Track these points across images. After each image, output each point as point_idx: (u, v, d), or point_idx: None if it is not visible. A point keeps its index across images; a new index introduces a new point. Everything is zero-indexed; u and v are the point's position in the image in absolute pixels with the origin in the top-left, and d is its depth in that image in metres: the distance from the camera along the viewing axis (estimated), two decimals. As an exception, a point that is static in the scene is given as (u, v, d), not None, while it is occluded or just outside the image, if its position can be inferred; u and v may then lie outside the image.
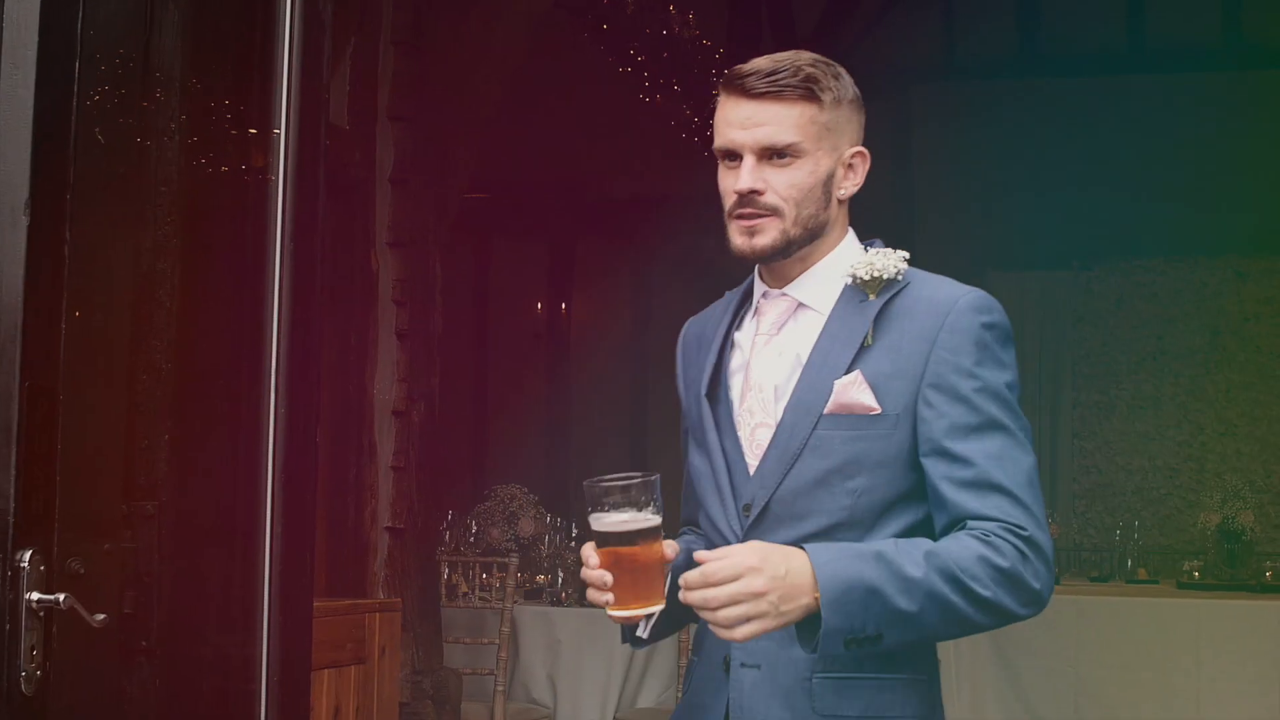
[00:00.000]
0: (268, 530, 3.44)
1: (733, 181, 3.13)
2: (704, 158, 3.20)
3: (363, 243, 7.56)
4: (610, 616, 2.92)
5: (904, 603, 2.85)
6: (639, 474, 2.95)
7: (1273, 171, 11.37)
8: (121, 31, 3.35)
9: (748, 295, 3.31)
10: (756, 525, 3.08)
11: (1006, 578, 2.91)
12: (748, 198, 3.09)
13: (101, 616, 3.00)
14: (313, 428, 3.62)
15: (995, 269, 13.00)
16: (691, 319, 3.46)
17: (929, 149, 13.30)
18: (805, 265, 3.20)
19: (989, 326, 3.11)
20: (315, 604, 3.91)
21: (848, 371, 3.05)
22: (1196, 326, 12.93)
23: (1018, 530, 2.94)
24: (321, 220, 3.66)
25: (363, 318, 7.57)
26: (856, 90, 3.22)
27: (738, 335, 3.27)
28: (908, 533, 3.03)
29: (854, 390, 3.04)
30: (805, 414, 3.06)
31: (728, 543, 3.07)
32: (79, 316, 3.11)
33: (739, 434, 3.16)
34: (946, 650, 8.78)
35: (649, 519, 2.88)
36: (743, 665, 3.07)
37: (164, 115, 3.45)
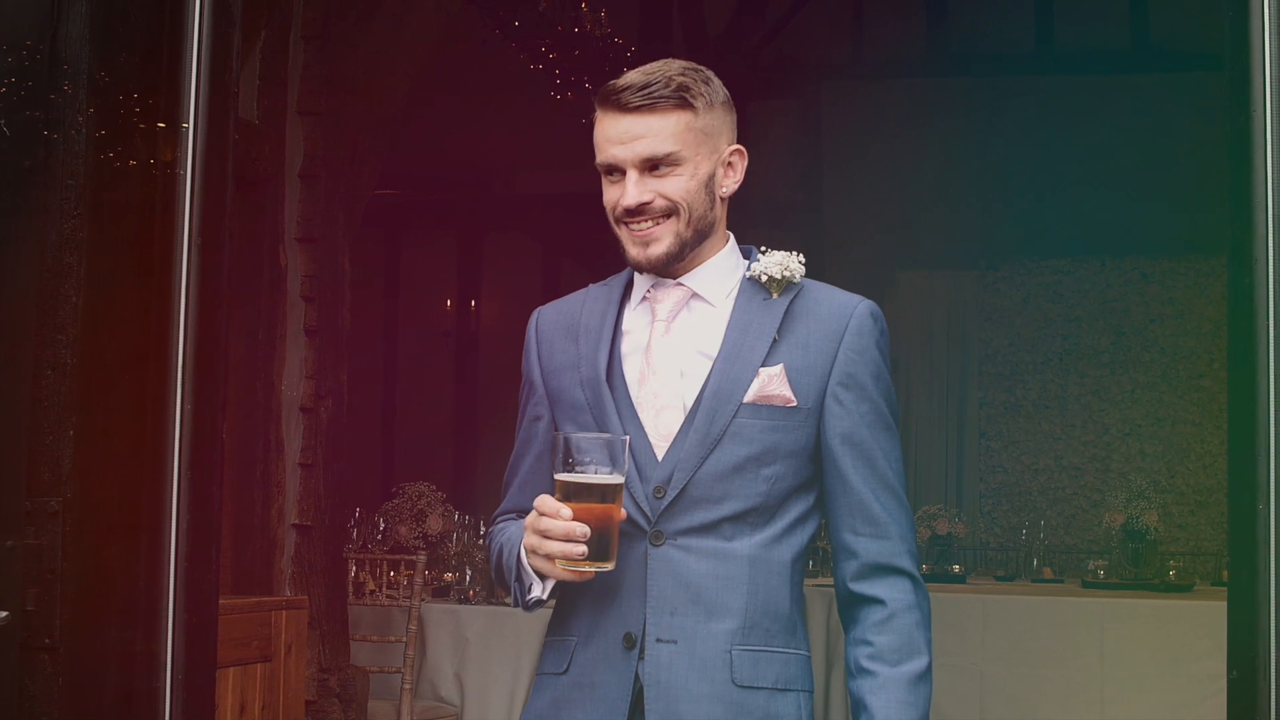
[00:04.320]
0: (173, 527, 3.42)
1: (618, 195, 3.23)
2: (614, 155, 3.18)
3: (271, 238, 7.52)
4: (569, 571, 3.02)
5: None
6: (610, 434, 3.11)
7: (1177, 174, 11.47)
8: (29, 22, 3.32)
9: (628, 286, 3.41)
10: (672, 507, 3.17)
11: (920, 659, 3.37)
12: (637, 210, 3.20)
13: (3, 614, 2.98)
14: (219, 424, 3.60)
15: (902, 268, 13.08)
16: (543, 308, 3.53)
17: (837, 147, 13.35)
18: (695, 264, 3.31)
19: (883, 334, 3.34)
20: (221, 601, 3.88)
21: (764, 364, 3.21)
22: (1101, 327, 13.04)
23: (909, 594, 3.33)
24: (229, 215, 3.64)
25: (271, 313, 7.53)
26: (726, 91, 3.33)
27: (627, 322, 3.35)
28: (800, 519, 3.28)
29: (776, 382, 3.19)
30: (725, 401, 3.18)
31: (636, 526, 3.17)
32: (-17, 310, 3.08)
33: (640, 417, 3.23)
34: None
35: (620, 477, 3.00)
36: (659, 640, 3.15)
37: (71, 108, 3.42)
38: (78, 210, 3.41)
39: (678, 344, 3.27)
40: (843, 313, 3.31)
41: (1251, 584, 2.96)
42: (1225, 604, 3.09)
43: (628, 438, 3.06)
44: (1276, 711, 2.92)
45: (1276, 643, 2.93)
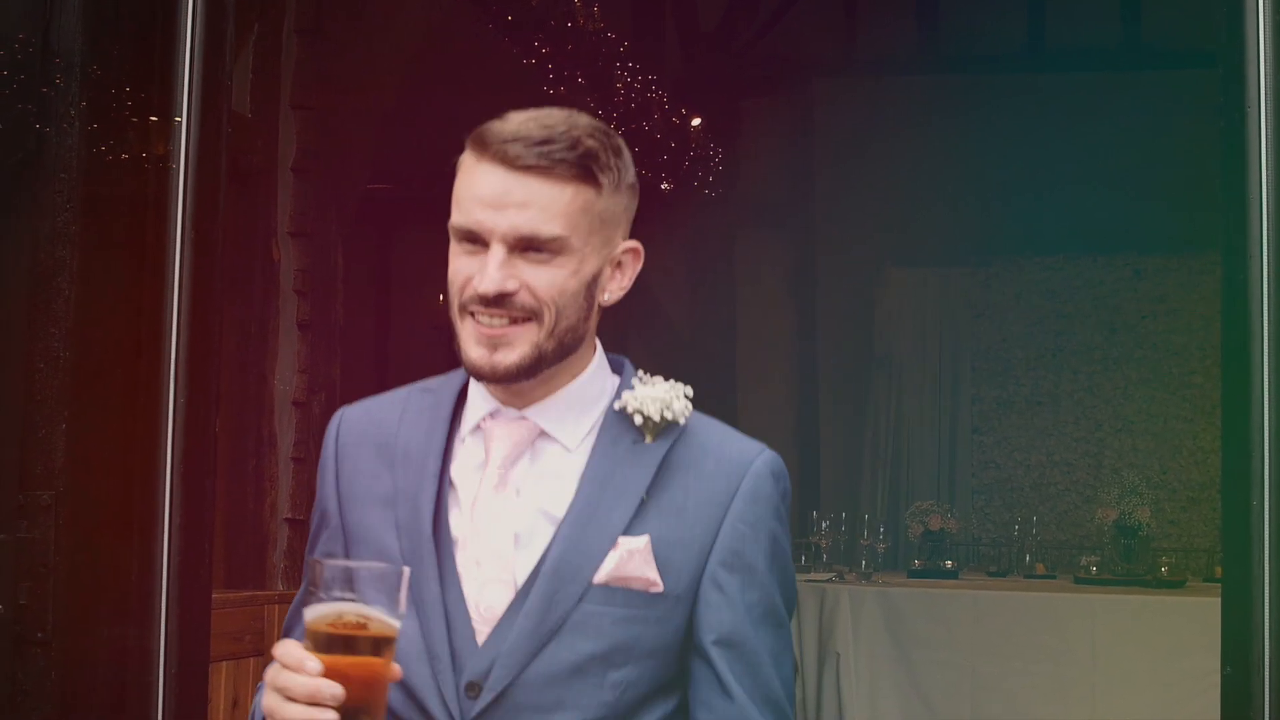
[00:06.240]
0: (166, 521, 3.42)
1: (472, 272, 2.49)
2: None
3: (264, 232, 7.51)
4: None
5: None
6: (384, 564, 2.33)
7: (1169, 170, 11.47)
8: (21, 15, 3.32)
9: (459, 403, 2.65)
10: (488, 714, 2.42)
11: None
12: (495, 300, 2.44)
13: (-3, 608, 2.98)
14: (212, 418, 3.59)
15: (895, 264, 13.07)
16: (349, 410, 2.77)
17: (829, 143, 13.33)
18: (551, 388, 2.54)
19: (785, 496, 2.57)
20: (214, 595, 3.88)
21: (626, 532, 2.45)
22: (1094, 323, 13.02)
23: None
24: (222, 209, 3.63)
25: (264, 307, 7.52)
26: (634, 172, 2.57)
27: (458, 459, 2.58)
28: None
29: (639, 560, 2.45)
30: (569, 581, 2.43)
31: None
32: (-25, 304, 3.08)
33: (463, 588, 2.48)
34: (845, 644, 8.83)
35: (394, 622, 2.22)
36: None
37: (64, 101, 3.42)
38: (70, 204, 3.41)
39: (514, 500, 2.50)
40: (735, 469, 2.52)
41: (1245, 580, 2.97)
42: (1217, 600, 3.10)
43: (406, 570, 2.24)
44: (1270, 707, 2.93)
45: (1270, 639, 2.93)
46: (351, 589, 2.18)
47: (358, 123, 8.06)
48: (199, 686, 3.54)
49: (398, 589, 2.20)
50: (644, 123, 10.82)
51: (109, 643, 3.43)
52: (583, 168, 2.41)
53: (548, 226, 2.39)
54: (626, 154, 2.52)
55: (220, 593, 6.26)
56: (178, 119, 3.50)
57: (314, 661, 2.16)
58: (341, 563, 2.25)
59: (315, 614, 2.19)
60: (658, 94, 10.98)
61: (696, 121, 11.69)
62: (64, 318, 3.39)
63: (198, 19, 3.54)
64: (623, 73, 10.54)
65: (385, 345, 14.98)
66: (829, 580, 9.26)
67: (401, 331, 14.93)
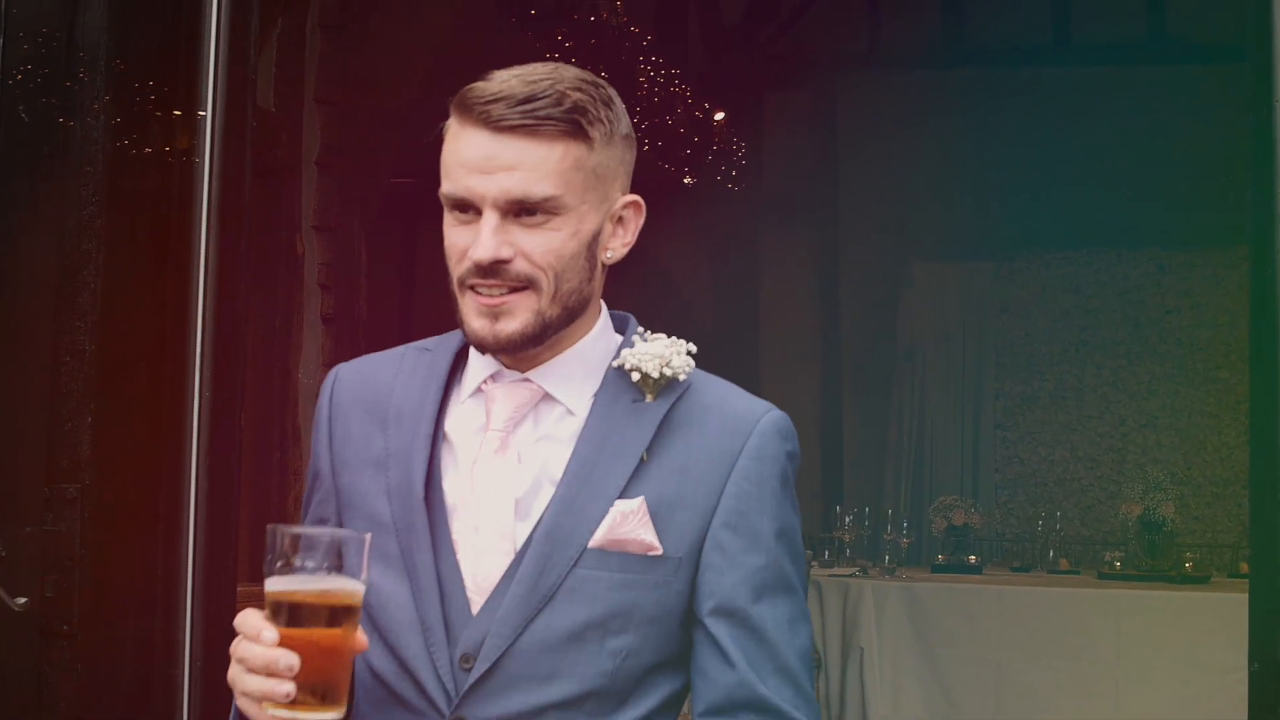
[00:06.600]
0: (191, 514, 3.42)
1: (467, 243, 2.39)
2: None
3: (288, 226, 7.52)
4: (275, 718, 2.11)
5: None
6: (346, 530, 2.33)
7: (1193, 165, 11.43)
8: (46, 10, 3.32)
9: (457, 364, 2.59)
10: (481, 685, 2.33)
11: None
12: (490, 269, 2.35)
13: (23, 600, 2.98)
14: (237, 411, 3.60)
15: (918, 260, 13.05)
16: (344, 367, 2.74)
17: (852, 138, 13.32)
18: (555, 350, 2.45)
19: (792, 457, 2.48)
20: (238, 589, 3.89)
21: (623, 494, 2.37)
22: (1118, 319, 13.00)
23: None
24: (247, 203, 3.64)
25: (287, 301, 7.53)
26: (629, 120, 2.49)
27: (454, 417, 2.51)
28: (665, 706, 2.42)
29: (634, 522, 2.36)
30: (563, 545, 2.35)
31: (433, 706, 2.37)
32: (1, 297, 3.09)
33: (457, 556, 2.40)
34: (869, 638, 8.82)
35: (356, 591, 2.14)
36: None
37: (89, 95, 3.42)
38: (95, 198, 3.41)
39: (515, 466, 2.42)
40: (740, 427, 2.43)
41: (1272, 575, 2.95)
42: (1243, 596, 3.09)
43: (368, 536, 2.15)
44: (1297, 703, 2.92)
45: (1297, 635, 2.92)
46: (312, 557, 2.10)
47: (381, 117, 8.07)
48: (224, 680, 3.55)
49: (360, 556, 2.12)
50: (667, 117, 10.82)
51: (134, 636, 3.44)
52: (570, 123, 2.32)
53: (539, 187, 2.31)
54: (619, 104, 2.44)
55: (245, 586, 6.27)
56: (202, 113, 3.50)
57: (271, 631, 2.08)
58: (301, 530, 2.12)
59: (274, 583, 2.11)
60: (681, 88, 10.98)
61: (719, 116, 11.68)
62: (89, 312, 3.39)
63: (222, 13, 3.54)
64: (646, 67, 10.54)
65: (408, 339, 14.94)
66: (852, 575, 9.25)
67: (425, 326, 14.90)
